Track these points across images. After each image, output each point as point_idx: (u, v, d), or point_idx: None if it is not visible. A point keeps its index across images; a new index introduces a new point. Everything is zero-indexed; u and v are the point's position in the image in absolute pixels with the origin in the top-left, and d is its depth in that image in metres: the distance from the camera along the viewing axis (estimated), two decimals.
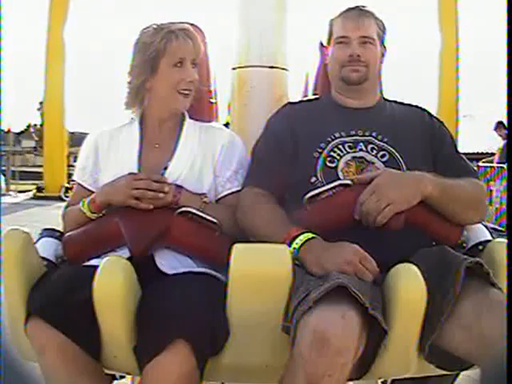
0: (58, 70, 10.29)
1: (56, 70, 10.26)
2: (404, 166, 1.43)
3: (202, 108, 1.67)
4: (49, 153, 10.53)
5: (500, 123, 8.86)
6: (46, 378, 1.18)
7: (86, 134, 1.62)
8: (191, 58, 1.47)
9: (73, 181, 1.61)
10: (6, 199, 10.16)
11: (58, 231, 1.49)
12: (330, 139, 1.46)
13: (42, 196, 9.79)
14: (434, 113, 1.63)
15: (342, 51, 1.52)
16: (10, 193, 11.27)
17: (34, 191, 10.63)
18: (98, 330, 1.21)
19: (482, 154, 11.78)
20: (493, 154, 9.13)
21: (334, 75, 1.57)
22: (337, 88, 1.58)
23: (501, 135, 8.86)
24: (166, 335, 1.12)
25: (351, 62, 1.50)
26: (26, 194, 10.96)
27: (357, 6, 1.55)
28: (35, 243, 1.38)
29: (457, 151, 1.53)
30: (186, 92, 1.47)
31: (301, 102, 1.76)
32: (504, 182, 7.41)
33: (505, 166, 7.89)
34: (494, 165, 7.93)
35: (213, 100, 1.82)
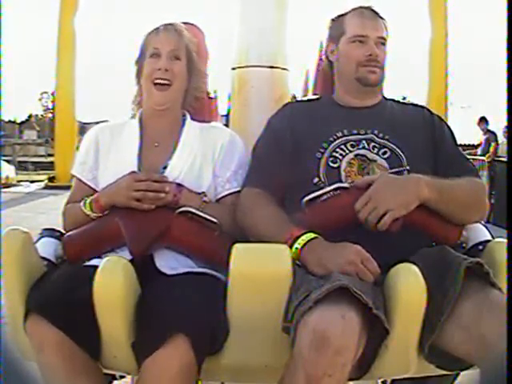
0: (69, 60, 10.28)
1: (67, 61, 10.25)
2: (405, 163, 1.43)
3: (201, 107, 1.66)
4: (60, 143, 10.56)
5: (482, 118, 9.02)
6: (44, 375, 1.17)
7: (98, 123, 1.64)
8: (168, 48, 1.48)
9: None
10: (19, 189, 10.29)
11: (58, 231, 1.49)
12: (332, 139, 1.46)
13: (54, 185, 9.88)
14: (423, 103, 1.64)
15: (359, 50, 1.50)
16: (22, 183, 11.34)
17: (46, 181, 10.70)
18: (98, 330, 1.21)
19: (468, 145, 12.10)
20: (476, 146, 9.32)
21: (347, 74, 1.54)
22: (347, 87, 1.56)
23: (482, 129, 9.00)
24: (165, 330, 1.11)
25: (369, 61, 1.49)
26: (38, 183, 11.04)
27: (368, 7, 1.55)
28: (35, 243, 1.38)
29: (458, 149, 1.54)
30: (161, 82, 1.46)
31: (301, 101, 1.76)
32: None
33: (484, 158, 8.10)
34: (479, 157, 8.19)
35: (212, 97, 1.82)
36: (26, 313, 1.20)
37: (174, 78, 1.47)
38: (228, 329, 1.22)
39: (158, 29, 1.51)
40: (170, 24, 1.52)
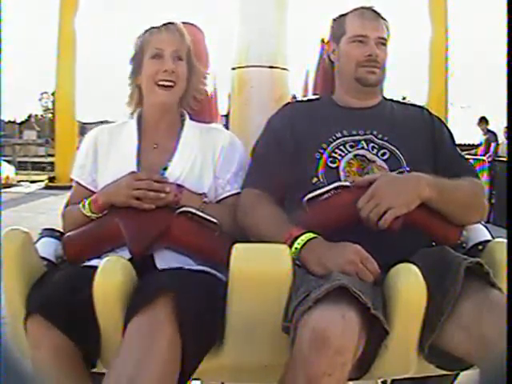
0: (69, 61, 10.29)
1: (67, 61, 10.26)
2: (405, 164, 1.43)
3: (201, 107, 1.66)
4: (60, 143, 10.60)
5: (483, 118, 9.03)
6: (36, 372, 1.16)
7: (98, 123, 1.62)
8: (171, 49, 1.46)
9: None
10: (19, 189, 10.32)
11: (58, 231, 1.49)
12: (331, 139, 1.46)
13: (54, 186, 9.93)
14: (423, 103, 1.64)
15: (359, 50, 1.50)
16: (22, 183, 11.38)
17: (47, 181, 10.75)
18: (98, 331, 1.21)
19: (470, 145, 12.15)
20: (477, 146, 9.35)
21: (346, 74, 1.54)
22: (346, 87, 1.56)
23: (482, 129, 9.02)
24: (150, 292, 1.13)
25: (369, 61, 1.49)
26: (38, 184, 11.08)
27: (369, 7, 1.55)
28: (35, 243, 1.38)
29: (457, 150, 1.54)
30: (166, 83, 1.45)
31: (301, 101, 1.76)
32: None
33: (484, 158, 8.11)
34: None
35: (212, 97, 1.81)
36: (27, 314, 1.20)
37: (177, 79, 1.46)
38: (223, 326, 1.22)
39: (158, 28, 1.49)
40: (170, 23, 1.50)
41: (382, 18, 1.55)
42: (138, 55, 1.50)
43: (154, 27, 1.50)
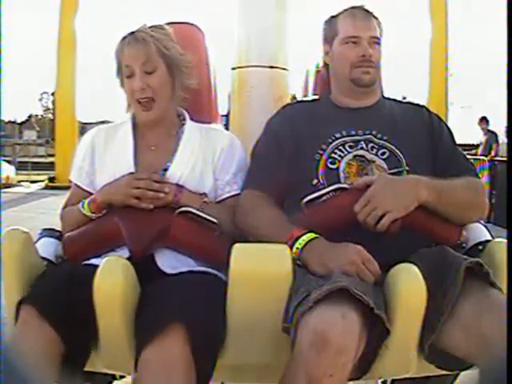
0: (69, 60, 10.30)
1: (67, 60, 10.27)
2: (404, 163, 1.43)
3: (201, 107, 1.66)
4: (60, 143, 10.62)
5: (483, 118, 9.05)
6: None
7: (98, 123, 1.61)
8: (139, 63, 1.42)
9: None
10: (19, 189, 10.34)
11: (58, 231, 1.49)
12: (330, 140, 1.46)
13: (54, 186, 9.96)
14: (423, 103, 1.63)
15: (352, 51, 1.50)
16: (23, 183, 11.39)
17: (47, 181, 10.77)
18: (89, 333, 1.20)
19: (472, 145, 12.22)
20: (477, 146, 9.37)
21: (341, 75, 1.54)
22: (342, 88, 1.56)
23: (482, 129, 9.04)
24: (162, 321, 1.11)
25: (363, 62, 1.49)
26: (39, 184, 11.10)
27: (360, 6, 1.55)
28: (35, 243, 1.38)
29: (456, 148, 1.53)
30: (143, 101, 1.43)
31: (301, 102, 1.76)
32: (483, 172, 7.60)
33: (485, 158, 8.13)
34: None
35: (212, 97, 1.81)
36: (22, 300, 1.20)
37: (154, 93, 1.43)
38: (225, 328, 1.21)
39: (123, 42, 1.44)
40: (132, 34, 1.44)
41: (374, 16, 1.54)
42: (119, 70, 1.48)
43: (121, 39, 1.45)
